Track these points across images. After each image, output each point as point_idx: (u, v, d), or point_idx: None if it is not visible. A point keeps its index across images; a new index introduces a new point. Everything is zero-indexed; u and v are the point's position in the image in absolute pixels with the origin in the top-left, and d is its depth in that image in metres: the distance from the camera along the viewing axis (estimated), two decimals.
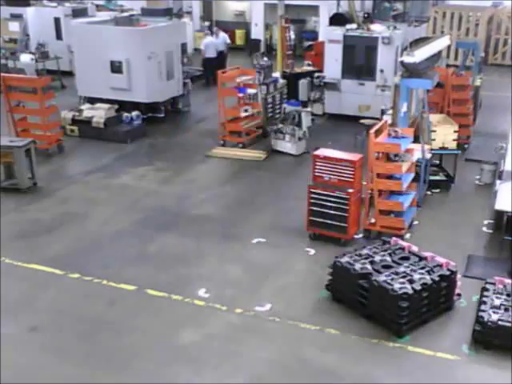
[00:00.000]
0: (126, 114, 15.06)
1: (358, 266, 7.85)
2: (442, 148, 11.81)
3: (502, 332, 7.02)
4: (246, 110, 14.42)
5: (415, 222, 10.27)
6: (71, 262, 9.10)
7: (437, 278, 7.61)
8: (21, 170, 11.58)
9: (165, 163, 13.45)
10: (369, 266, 7.87)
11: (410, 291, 7.31)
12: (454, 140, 11.83)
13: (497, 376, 6.79)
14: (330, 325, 7.65)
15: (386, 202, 9.65)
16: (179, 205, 11.25)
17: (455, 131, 11.88)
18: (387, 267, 7.88)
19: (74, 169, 13.25)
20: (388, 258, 8.10)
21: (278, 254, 9.39)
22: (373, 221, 9.69)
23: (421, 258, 8.10)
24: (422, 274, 7.67)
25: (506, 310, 7.25)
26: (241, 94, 14.38)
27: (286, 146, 13.83)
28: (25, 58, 19.27)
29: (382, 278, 7.57)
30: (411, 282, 7.49)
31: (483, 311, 7.23)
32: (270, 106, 15.14)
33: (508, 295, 7.52)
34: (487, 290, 7.66)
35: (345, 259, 8.06)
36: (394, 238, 8.63)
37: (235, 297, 8.24)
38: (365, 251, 8.29)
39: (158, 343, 7.33)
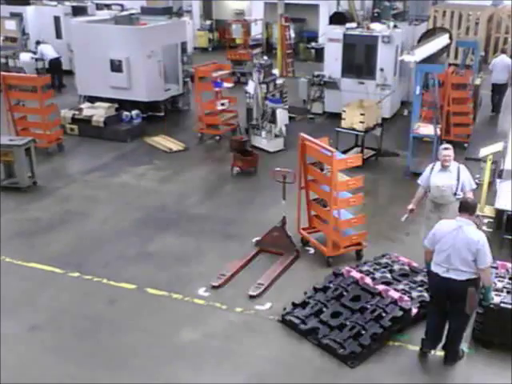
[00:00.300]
0: (125, 113, 15.06)
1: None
2: (351, 128, 12.94)
3: (505, 314, 7.01)
4: (222, 104, 14.57)
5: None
6: (71, 261, 9.11)
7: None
8: (21, 168, 11.59)
9: (164, 162, 13.45)
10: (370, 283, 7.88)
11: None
12: (360, 122, 12.79)
13: (497, 375, 6.79)
14: None
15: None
16: (179, 203, 11.25)
17: (361, 114, 12.77)
18: (387, 284, 7.89)
19: (73, 168, 13.25)
20: (388, 275, 8.16)
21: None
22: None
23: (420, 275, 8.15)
24: (421, 291, 7.76)
25: (509, 292, 7.26)
26: (217, 89, 14.56)
27: (262, 142, 13.90)
28: (24, 57, 19.27)
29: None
30: (410, 299, 7.55)
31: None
32: None
33: (511, 278, 7.55)
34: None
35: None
36: (395, 254, 8.69)
37: (235, 296, 8.24)
38: (365, 267, 8.35)
39: (158, 342, 7.33)
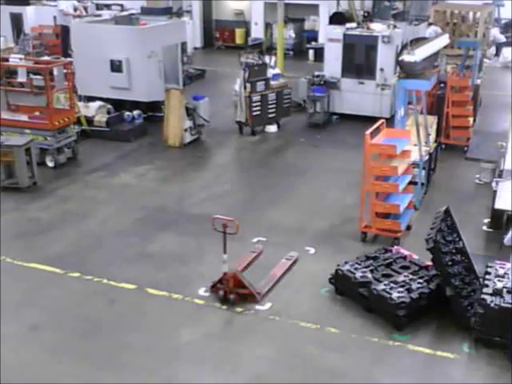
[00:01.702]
0: (127, 113, 15.08)
1: (358, 275, 7.95)
2: None
3: (504, 314, 7.02)
4: None
5: (412, 224, 10.26)
6: (71, 261, 9.11)
7: (435, 287, 7.69)
8: (21, 169, 11.59)
9: (165, 162, 13.45)
10: (369, 275, 7.96)
11: (408, 300, 7.42)
12: None
13: (496, 375, 6.79)
14: (330, 323, 7.66)
15: (382, 204, 9.63)
16: (179, 204, 11.26)
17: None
18: (387, 276, 7.98)
19: (73, 168, 13.24)
20: (388, 268, 8.23)
21: (277, 253, 9.38)
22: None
23: (421, 267, 8.19)
24: (421, 283, 7.77)
25: (508, 292, 7.26)
26: None
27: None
28: (14, 60, 19.25)
29: (381, 286, 7.66)
30: (409, 290, 7.59)
31: (485, 294, 7.26)
32: (256, 104, 15.00)
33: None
34: (489, 273, 7.71)
35: (346, 267, 8.16)
36: (395, 247, 8.69)
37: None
38: (366, 261, 8.39)
39: (158, 342, 7.33)
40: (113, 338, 7.43)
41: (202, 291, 8.34)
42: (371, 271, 8.08)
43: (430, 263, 8.02)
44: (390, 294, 7.53)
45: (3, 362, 6.87)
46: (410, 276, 7.95)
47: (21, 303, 8.14)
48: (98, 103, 15.12)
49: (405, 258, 8.49)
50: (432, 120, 12.56)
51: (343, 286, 8.18)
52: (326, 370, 6.89)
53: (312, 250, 9.48)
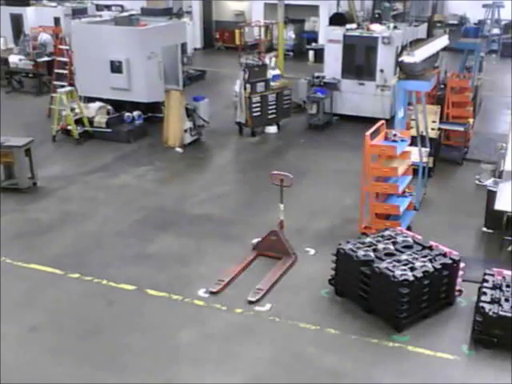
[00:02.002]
0: (127, 114, 15.08)
1: (360, 253, 7.89)
2: None
3: (503, 323, 7.02)
4: None
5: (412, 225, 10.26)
6: (71, 262, 9.10)
7: (438, 266, 7.64)
8: (20, 169, 11.60)
9: (165, 163, 13.45)
10: (371, 254, 7.89)
11: (411, 278, 7.34)
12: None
13: (497, 376, 6.79)
14: (330, 325, 7.65)
15: (382, 205, 9.62)
16: (179, 204, 11.25)
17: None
18: (390, 255, 7.90)
19: (73, 169, 13.24)
20: (391, 246, 8.11)
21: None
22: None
23: (424, 247, 8.12)
24: (424, 262, 7.69)
25: (506, 300, 7.25)
26: None
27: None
28: (13, 59, 19.28)
29: (383, 264, 7.60)
30: (412, 269, 7.52)
31: (484, 302, 7.24)
32: (256, 105, 15.02)
33: (508, 286, 7.53)
34: (487, 281, 7.68)
35: (348, 246, 8.10)
36: (399, 228, 8.65)
37: (235, 297, 8.24)
38: (368, 239, 8.34)
39: (157, 343, 7.33)
40: (112, 338, 7.43)
41: (201, 292, 8.33)
42: (374, 250, 7.99)
43: (433, 243, 8.05)
44: (393, 271, 7.45)
45: (3, 362, 6.87)
46: (413, 255, 7.86)
47: (20, 304, 8.14)
48: (98, 104, 15.14)
49: (407, 237, 8.39)
50: (435, 109, 12.62)
51: (344, 265, 8.02)
52: (326, 371, 6.88)
53: (312, 251, 9.48)
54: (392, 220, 9.56)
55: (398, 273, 7.40)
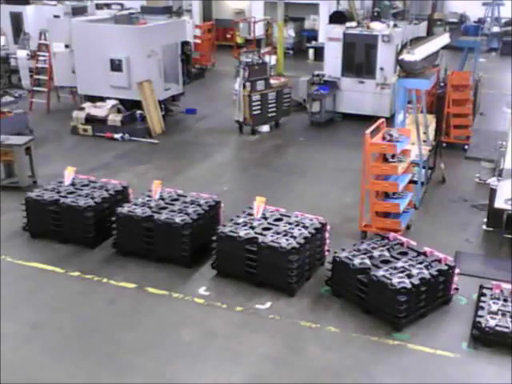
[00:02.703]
0: (139, 112, 15.11)
1: (356, 261, 7.89)
2: None
3: (500, 337, 7.04)
4: None
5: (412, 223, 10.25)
6: (71, 260, 9.10)
7: (435, 273, 7.65)
8: (21, 168, 11.61)
9: (164, 161, 13.45)
10: (367, 261, 7.90)
11: (409, 286, 7.35)
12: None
13: (496, 374, 6.80)
14: (330, 323, 7.66)
15: (382, 204, 9.62)
16: None
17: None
18: (386, 262, 7.91)
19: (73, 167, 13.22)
20: (386, 253, 8.13)
21: None
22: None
23: (419, 253, 8.13)
24: (421, 268, 7.70)
25: (504, 315, 7.24)
26: None
27: None
28: (21, 54, 19.26)
29: (380, 272, 7.60)
30: (410, 276, 7.52)
31: (481, 316, 7.24)
32: (256, 104, 15.00)
33: (505, 300, 7.52)
34: (484, 294, 7.66)
35: (343, 254, 8.10)
36: (392, 234, 8.65)
37: (235, 295, 8.25)
38: (363, 246, 8.34)
39: (158, 341, 7.33)
40: (113, 337, 7.43)
41: (202, 290, 8.34)
42: (369, 258, 8.01)
43: (428, 249, 8.05)
44: (390, 279, 7.45)
45: (3, 361, 6.87)
46: (409, 262, 7.89)
47: (21, 302, 8.13)
48: (111, 102, 15.12)
49: (402, 244, 8.42)
50: (431, 119, 12.57)
51: (341, 273, 8.05)
52: (326, 370, 6.89)
53: None
54: (392, 218, 9.56)
55: (395, 280, 7.41)
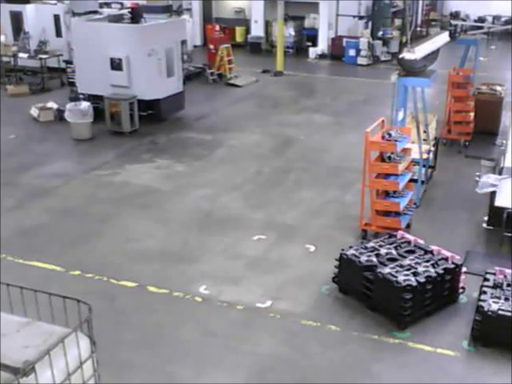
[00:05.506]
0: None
1: (363, 259, 7.91)
2: None
3: (502, 321, 7.02)
4: None
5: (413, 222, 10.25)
6: (72, 259, 9.11)
7: (441, 271, 7.66)
8: (125, 117, 14.40)
9: (165, 160, 13.46)
10: (374, 259, 7.91)
11: (414, 283, 7.36)
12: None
13: (497, 372, 6.80)
14: (331, 321, 7.67)
15: (382, 202, 9.63)
16: (180, 201, 11.25)
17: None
18: (392, 260, 7.92)
19: (73, 166, 13.25)
20: (393, 251, 8.14)
21: (278, 251, 9.39)
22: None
23: (426, 252, 8.14)
24: (427, 266, 7.71)
25: (507, 299, 7.26)
26: None
27: None
28: (23, 56, 19.30)
29: (386, 270, 7.62)
30: (415, 274, 7.53)
31: (483, 301, 7.25)
32: None
33: (508, 285, 7.54)
34: (488, 280, 7.68)
35: (350, 251, 8.12)
36: (400, 232, 8.67)
37: (236, 294, 8.26)
38: (371, 244, 8.35)
39: (158, 340, 7.34)
40: (113, 336, 7.43)
41: (202, 289, 8.34)
42: (376, 255, 8.01)
43: (435, 247, 8.04)
44: (396, 277, 7.45)
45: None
46: (416, 260, 7.88)
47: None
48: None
49: (409, 242, 8.42)
50: (431, 118, 12.55)
51: (348, 270, 8.03)
52: (327, 368, 6.89)
53: (312, 248, 9.49)
54: (392, 217, 9.56)
55: (401, 278, 7.42)
